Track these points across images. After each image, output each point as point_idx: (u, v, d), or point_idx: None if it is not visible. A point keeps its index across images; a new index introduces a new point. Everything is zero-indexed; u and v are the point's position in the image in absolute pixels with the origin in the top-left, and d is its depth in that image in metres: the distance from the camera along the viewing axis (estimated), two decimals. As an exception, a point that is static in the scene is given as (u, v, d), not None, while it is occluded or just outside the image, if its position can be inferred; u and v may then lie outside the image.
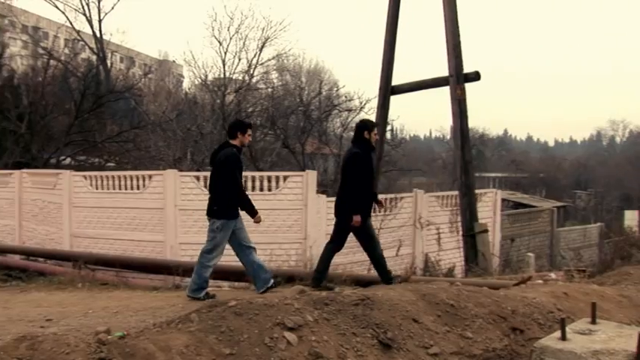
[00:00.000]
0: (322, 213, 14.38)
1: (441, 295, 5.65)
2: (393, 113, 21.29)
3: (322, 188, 20.13)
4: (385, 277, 8.52)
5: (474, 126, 59.81)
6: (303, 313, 4.62)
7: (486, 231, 14.88)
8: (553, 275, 11.87)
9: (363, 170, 8.06)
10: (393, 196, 16.66)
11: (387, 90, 16.73)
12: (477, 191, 16.65)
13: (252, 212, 7.95)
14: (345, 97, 28.29)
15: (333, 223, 8.72)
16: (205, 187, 13.99)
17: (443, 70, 15.09)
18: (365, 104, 25.91)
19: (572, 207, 50.10)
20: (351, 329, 4.69)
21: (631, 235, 20.50)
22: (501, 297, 6.12)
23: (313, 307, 4.82)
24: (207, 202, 8.13)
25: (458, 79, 14.50)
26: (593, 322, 3.62)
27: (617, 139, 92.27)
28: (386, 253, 15.03)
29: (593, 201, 53.74)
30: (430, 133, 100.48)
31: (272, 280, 8.14)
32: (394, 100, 17.15)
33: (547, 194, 49.16)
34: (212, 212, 7.89)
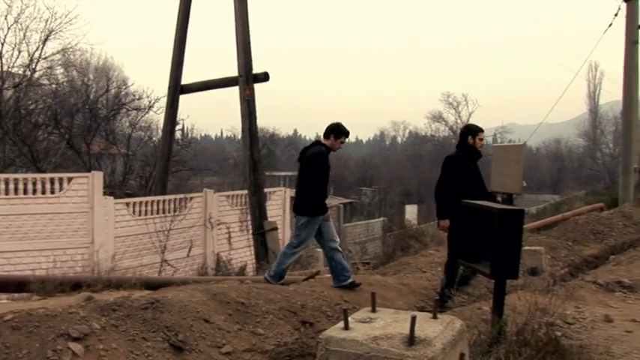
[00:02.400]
0: (110, 215, 13.95)
1: (231, 294, 5.71)
2: (183, 112, 21.13)
3: (110, 190, 19.48)
4: (447, 286, 7.70)
5: (264, 126, 60.82)
6: (90, 321, 4.43)
7: (276, 229, 15.25)
8: (340, 269, 12.43)
9: (451, 174, 7.70)
10: (182, 196, 16.58)
11: (177, 89, 16.64)
12: (266, 190, 17.01)
13: (324, 211, 7.77)
14: (134, 95, 27.65)
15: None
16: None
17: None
18: (154, 103, 25.69)
19: (358, 203, 52.64)
20: (141, 334, 4.59)
21: (410, 228, 21.93)
22: (291, 292, 6.31)
23: (100, 314, 4.65)
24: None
25: (247, 79, 14.72)
26: (374, 310, 3.84)
27: (399, 139, 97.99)
28: (177, 254, 15.09)
29: (377, 197, 56.80)
30: (221, 133, 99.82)
31: (349, 280, 7.69)
32: (185, 99, 17.08)
33: (335, 191, 51.10)
34: (297, 209, 7.76)
